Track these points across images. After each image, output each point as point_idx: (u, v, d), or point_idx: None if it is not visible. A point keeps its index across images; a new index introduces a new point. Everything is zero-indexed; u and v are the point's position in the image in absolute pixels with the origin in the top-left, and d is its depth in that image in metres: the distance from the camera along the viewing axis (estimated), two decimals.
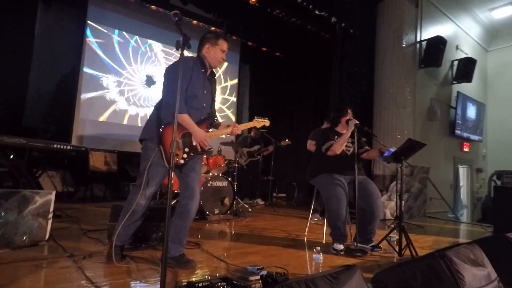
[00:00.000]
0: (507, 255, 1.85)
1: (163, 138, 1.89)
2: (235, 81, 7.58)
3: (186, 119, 1.95)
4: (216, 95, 2.32)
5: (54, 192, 2.40)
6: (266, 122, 2.50)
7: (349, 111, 2.94)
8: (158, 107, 2.02)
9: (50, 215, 2.33)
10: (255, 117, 2.49)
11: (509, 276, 1.80)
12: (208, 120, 2.16)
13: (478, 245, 1.65)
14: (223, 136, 2.58)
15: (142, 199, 1.96)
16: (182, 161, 1.99)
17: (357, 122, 2.76)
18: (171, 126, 1.90)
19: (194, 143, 2.01)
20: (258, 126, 2.46)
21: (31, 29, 4.96)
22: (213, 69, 2.21)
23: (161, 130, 1.90)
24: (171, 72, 2.00)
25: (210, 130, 2.19)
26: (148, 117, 2.15)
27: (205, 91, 2.13)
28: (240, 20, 6.35)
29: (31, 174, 4.17)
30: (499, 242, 1.92)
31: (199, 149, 2.03)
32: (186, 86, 1.99)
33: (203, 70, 2.11)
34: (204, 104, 2.13)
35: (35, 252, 2.10)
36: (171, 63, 1.88)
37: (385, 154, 2.71)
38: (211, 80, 2.22)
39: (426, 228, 4.26)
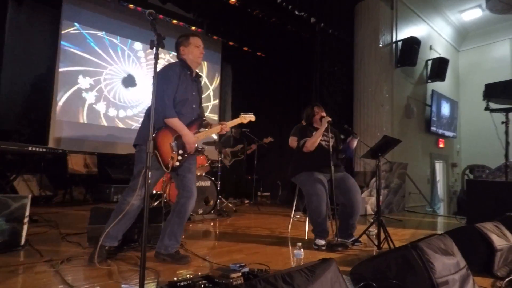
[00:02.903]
0: (475, 244, 1.96)
1: (157, 143, 1.96)
2: (217, 80, 7.57)
3: (176, 123, 2.03)
4: (202, 96, 2.37)
5: (29, 196, 2.33)
6: (252, 117, 2.48)
7: (315, 108, 2.99)
8: (148, 113, 2.07)
9: (26, 220, 2.26)
10: (241, 113, 2.50)
11: (477, 263, 1.91)
12: (198, 121, 2.23)
13: (449, 236, 1.74)
14: (215, 136, 2.61)
15: (137, 200, 2.00)
16: (177, 163, 2.05)
17: (330, 119, 2.82)
18: (164, 131, 2.02)
19: None
20: (245, 121, 2.48)
21: (1, 28, 4.75)
22: (197, 71, 2.28)
23: (154, 135, 1.95)
24: (160, 78, 2.02)
25: (200, 130, 2.25)
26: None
27: (193, 93, 2.20)
28: (221, 19, 6.33)
29: (5, 178, 4.02)
30: (468, 232, 2.03)
31: (192, 150, 2.11)
32: (174, 91, 2.06)
33: (188, 73, 2.19)
34: (194, 106, 2.21)
35: (9, 258, 2.03)
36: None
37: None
38: (197, 81, 2.29)
39: (404, 222, 4.41)
